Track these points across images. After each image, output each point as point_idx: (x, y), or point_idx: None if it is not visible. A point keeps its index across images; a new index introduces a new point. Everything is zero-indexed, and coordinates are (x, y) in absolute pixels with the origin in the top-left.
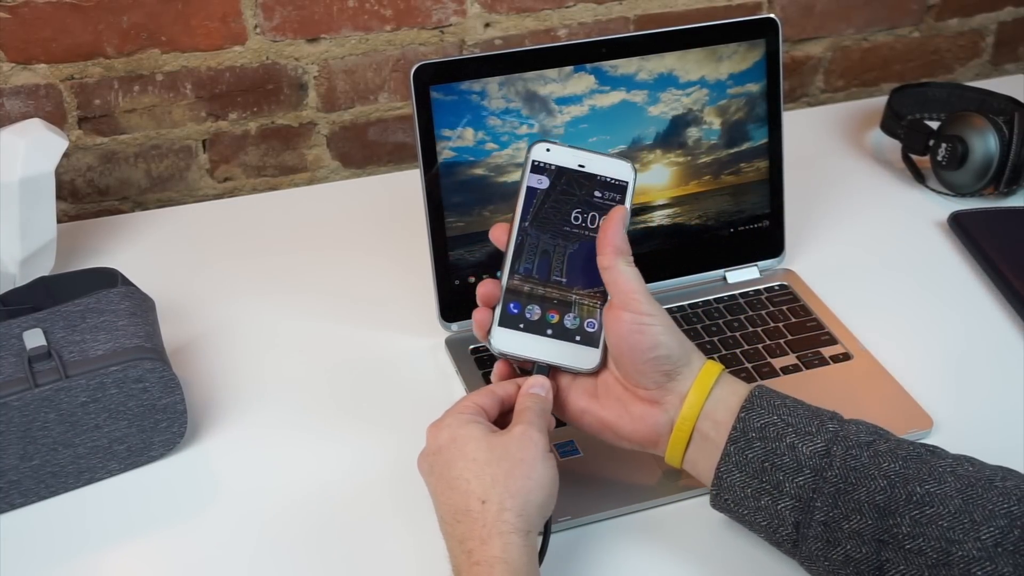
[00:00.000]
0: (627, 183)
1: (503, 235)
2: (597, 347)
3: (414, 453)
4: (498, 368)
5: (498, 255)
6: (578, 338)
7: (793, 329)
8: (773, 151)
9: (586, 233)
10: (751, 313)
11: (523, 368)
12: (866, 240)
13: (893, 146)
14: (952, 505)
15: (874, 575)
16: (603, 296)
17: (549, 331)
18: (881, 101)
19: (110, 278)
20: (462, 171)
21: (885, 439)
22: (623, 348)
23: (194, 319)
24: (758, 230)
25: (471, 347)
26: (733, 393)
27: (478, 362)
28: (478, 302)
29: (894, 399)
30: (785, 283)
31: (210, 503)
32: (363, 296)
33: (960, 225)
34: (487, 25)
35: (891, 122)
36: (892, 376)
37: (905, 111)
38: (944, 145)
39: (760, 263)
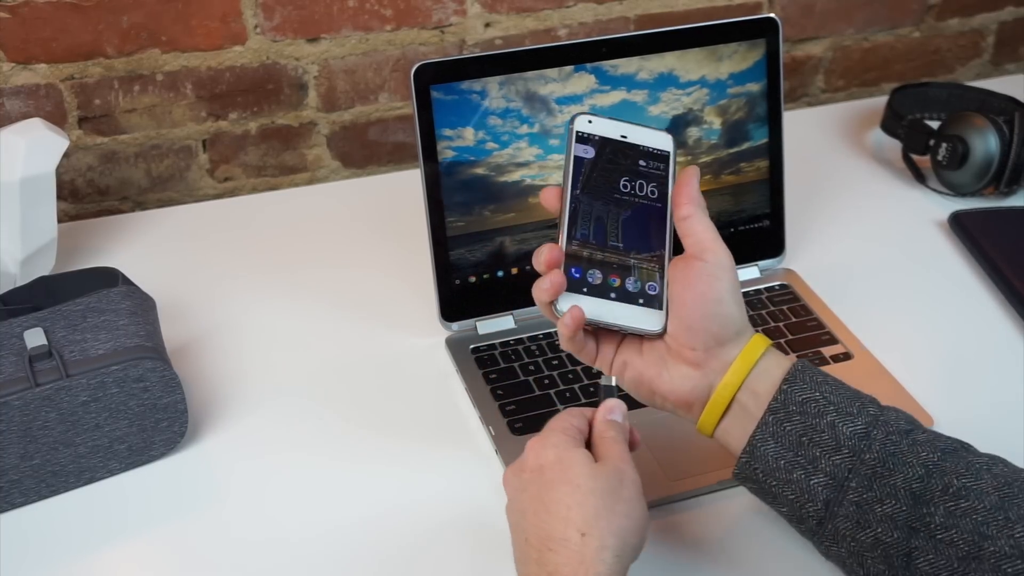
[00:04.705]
0: (668, 153)
1: (555, 199)
2: (661, 309)
3: (413, 452)
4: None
5: (499, 254)
6: (641, 301)
7: (793, 329)
8: (773, 151)
9: (636, 200)
10: (751, 313)
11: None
12: (866, 240)
13: (893, 146)
14: (988, 501)
15: (902, 561)
16: (660, 260)
17: (612, 295)
18: (881, 101)
19: (110, 278)
20: (463, 171)
21: (922, 429)
22: (687, 298)
23: (194, 319)
24: (758, 230)
25: (471, 347)
26: (777, 366)
27: (478, 362)
28: (543, 268)
29: (894, 399)
30: (785, 283)
31: (210, 502)
32: (363, 296)
33: (960, 225)
34: (487, 25)
35: (891, 122)
36: (892, 376)
37: (905, 111)
38: (944, 145)
39: (760, 263)
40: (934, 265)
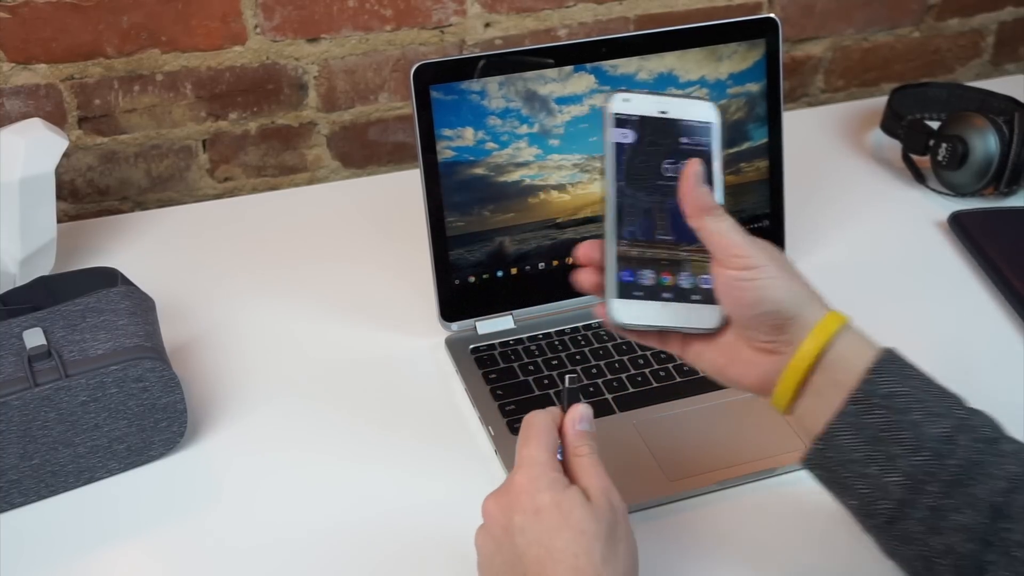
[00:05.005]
0: (711, 124)
1: (593, 251)
2: (717, 303)
3: (413, 452)
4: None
5: (499, 254)
6: (696, 297)
7: None
8: (773, 151)
9: None
10: None
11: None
12: (866, 240)
13: (893, 146)
14: None
15: (973, 573)
16: None
17: (666, 295)
18: (881, 101)
19: (110, 278)
20: (462, 171)
21: (1008, 439)
22: (727, 304)
23: (194, 319)
24: (758, 230)
25: (471, 347)
26: (859, 353)
27: (478, 362)
28: (580, 262)
29: None
30: None
31: (210, 502)
32: (363, 296)
33: (960, 225)
34: (487, 25)
35: (891, 122)
36: None
37: (905, 111)
38: (944, 145)
39: None
40: (934, 265)
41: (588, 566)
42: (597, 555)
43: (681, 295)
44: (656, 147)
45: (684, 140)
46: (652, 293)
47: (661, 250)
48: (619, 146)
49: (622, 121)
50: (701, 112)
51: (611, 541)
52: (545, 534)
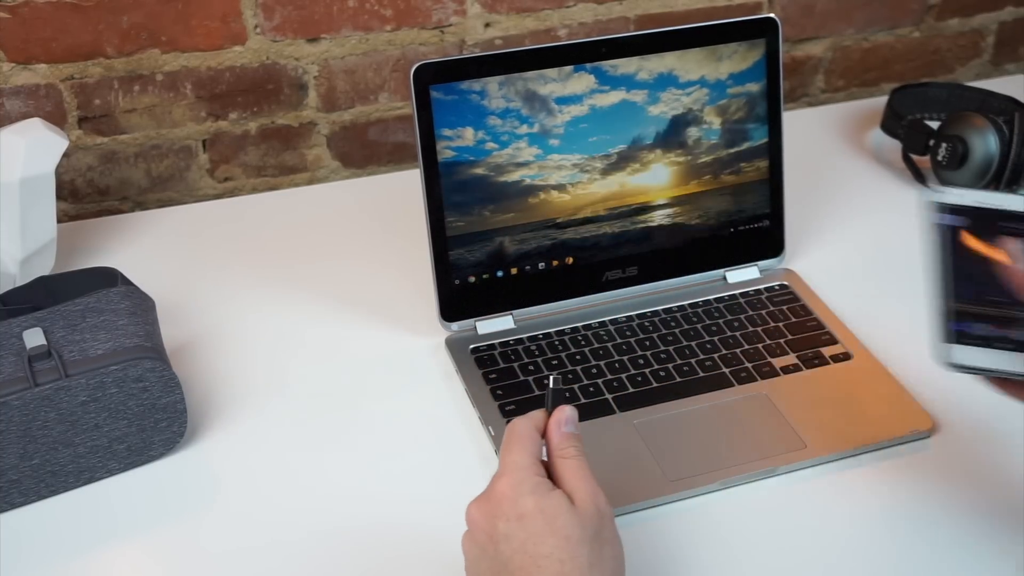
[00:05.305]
0: None
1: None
2: None
3: (412, 452)
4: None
5: (499, 254)
6: None
7: (793, 329)
8: (773, 151)
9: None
10: (751, 313)
11: None
12: (866, 240)
13: (893, 146)
14: None
15: None
16: None
17: (1001, 345)
18: (881, 101)
19: (110, 278)
20: (462, 171)
21: None
22: None
23: (194, 319)
24: (758, 230)
25: (471, 347)
26: None
27: (478, 362)
28: None
29: (894, 399)
30: (785, 283)
31: (210, 503)
32: (363, 296)
33: None
34: (487, 25)
35: (891, 122)
36: (892, 376)
37: (905, 111)
38: (944, 145)
39: (760, 263)
40: None
41: (574, 572)
42: (583, 561)
43: (1018, 347)
44: (979, 228)
45: (1007, 225)
46: (986, 342)
47: (994, 309)
48: (944, 227)
49: (943, 208)
50: (1018, 204)
51: (597, 545)
52: (530, 541)
